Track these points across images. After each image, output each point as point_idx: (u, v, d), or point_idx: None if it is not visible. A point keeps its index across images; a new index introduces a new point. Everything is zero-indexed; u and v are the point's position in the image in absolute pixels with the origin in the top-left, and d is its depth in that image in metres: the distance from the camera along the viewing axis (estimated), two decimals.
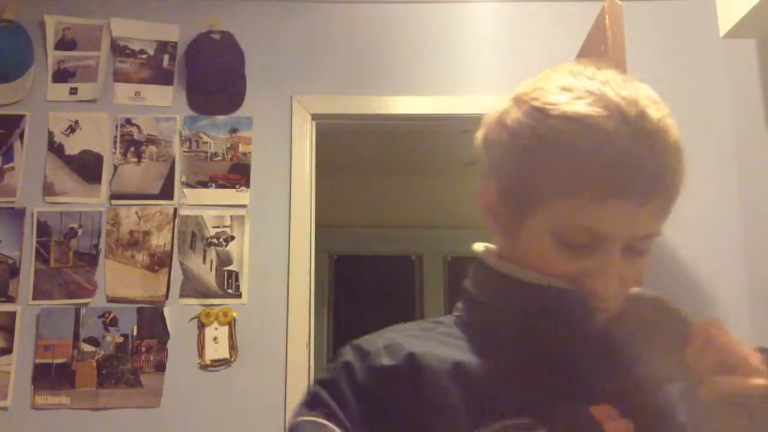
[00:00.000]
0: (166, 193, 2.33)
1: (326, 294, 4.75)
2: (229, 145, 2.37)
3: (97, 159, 2.35)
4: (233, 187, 2.34)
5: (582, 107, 0.60)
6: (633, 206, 0.59)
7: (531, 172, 0.63)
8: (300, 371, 2.21)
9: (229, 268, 2.28)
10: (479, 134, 0.71)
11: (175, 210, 2.31)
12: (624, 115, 0.59)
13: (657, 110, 0.62)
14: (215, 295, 2.26)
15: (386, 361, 0.67)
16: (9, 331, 2.20)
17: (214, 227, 2.30)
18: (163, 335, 2.22)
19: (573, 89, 0.62)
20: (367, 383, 0.66)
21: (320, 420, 0.64)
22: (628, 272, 0.63)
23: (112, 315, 2.22)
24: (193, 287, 2.26)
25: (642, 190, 0.59)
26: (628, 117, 0.59)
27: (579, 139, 0.59)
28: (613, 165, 0.58)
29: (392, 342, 0.69)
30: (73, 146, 2.35)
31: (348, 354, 0.69)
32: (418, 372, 0.66)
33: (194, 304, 2.25)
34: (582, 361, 0.65)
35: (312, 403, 0.67)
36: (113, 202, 2.31)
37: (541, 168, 0.62)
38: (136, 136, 2.37)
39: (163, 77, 2.42)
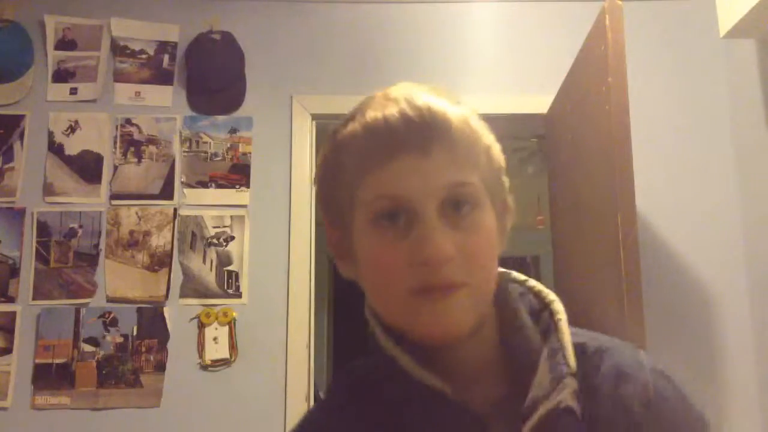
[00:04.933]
0: (166, 193, 2.33)
1: (326, 294, 4.75)
2: (229, 145, 2.37)
3: (97, 159, 2.35)
4: (233, 187, 2.34)
5: (357, 117, 0.65)
6: (415, 160, 0.61)
7: (337, 179, 0.66)
8: (300, 371, 2.21)
9: (229, 268, 2.28)
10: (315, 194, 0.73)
11: (175, 210, 2.32)
12: (389, 101, 0.63)
13: (429, 96, 0.63)
14: (215, 295, 2.26)
15: None
16: (9, 331, 2.20)
17: (214, 227, 2.31)
18: (163, 335, 2.22)
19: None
20: None
21: None
22: (461, 239, 0.61)
23: (112, 315, 2.22)
24: (193, 287, 2.26)
25: (415, 144, 0.61)
26: (394, 101, 0.63)
27: (353, 130, 0.64)
28: (383, 132, 0.61)
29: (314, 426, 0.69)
30: (73, 146, 2.35)
31: None
32: None
33: (194, 304, 2.25)
34: None
35: None
36: (113, 202, 2.31)
37: (339, 171, 0.65)
38: (136, 136, 2.37)
39: (163, 77, 2.42)
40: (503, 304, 0.69)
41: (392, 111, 0.62)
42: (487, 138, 0.66)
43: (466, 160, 0.62)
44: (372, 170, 0.62)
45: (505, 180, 0.68)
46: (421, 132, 0.61)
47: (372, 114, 0.63)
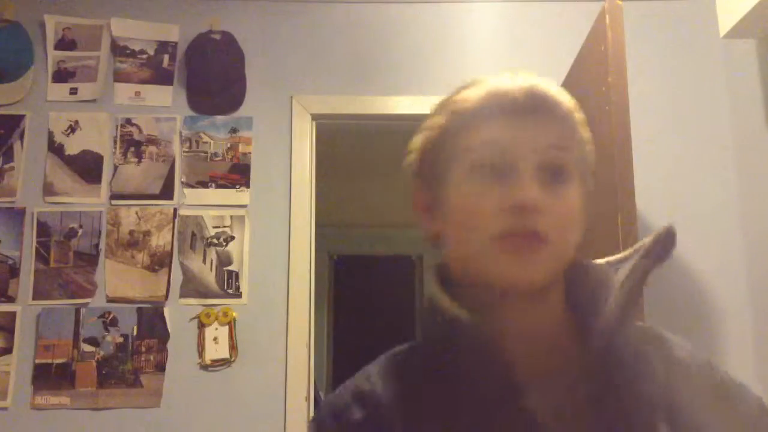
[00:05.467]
0: (166, 193, 2.33)
1: (326, 294, 4.75)
2: (229, 145, 2.37)
3: (97, 159, 2.35)
4: (233, 187, 2.34)
5: (474, 85, 0.73)
6: (524, 121, 0.67)
7: (445, 133, 0.71)
8: (300, 371, 2.21)
9: (229, 268, 2.28)
10: (408, 163, 0.78)
11: (175, 210, 2.32)
12: (509, 77, 0.70)
13: (545, 80, 0.70)
14: (215, 295, 2.26)
15: (357, 414, 0.68)
16: (9, 331, 2.20)
17: (214, 227, 2.31)
18: (163, 335, 2.22)
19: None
20: None
21: None
22: (551, 201, 0.65)
23: (112, 315, 2.22)
24: (193, 287, 2.26)
25: (526, 110, 0.67)
26: (513, 76, 0.70)
27: (472, 93, 0.71)
28: (501, 96, 0.68)
29: (359, 390, 0.71)
30: (73, 146, 2.35)
31: (324, 416, 0.71)
32: (384, 415, 0.67)
33: (194, 304, 2.25)
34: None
35: None
36: (113, 202, 2.31)
37: (448, 125, 0.71)
38: (136, 136, 2.37)
39: (163, 77, 2.42)
40: (582, 277, 0.73)
41: (512, 82, 0.69)
42: (586, 135, 0.73)
43: (567, 137, 0.69)
44: (482, 124, 0.68)
45: (591, 170, 0.75)
46: (534, 102, 0.67)
47: (493, 83, 0.70)
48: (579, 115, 0.71)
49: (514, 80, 0.69)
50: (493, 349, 0.65)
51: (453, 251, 0.71)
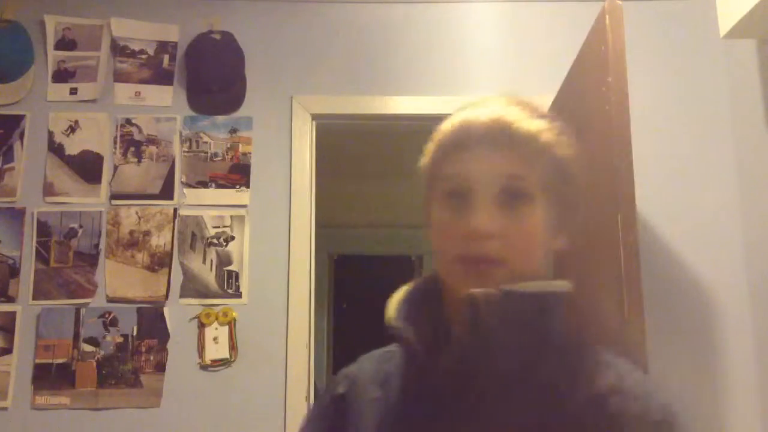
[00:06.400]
0: (166, 193, 2.33)
1: (326, 294, 4.75)
2: (229, 145, 2.37)
3: (97, 159, 2.35)
4: (233, 187, 2.34)
5: (453, 116, 0.83)
6: (484, 153, 0.76)
7: (431, 162, 0.82)
8: (300, 371, 2.21)
9: (229, 268, 2.28)
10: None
11: (175, 210, 2.32)
12: (478, 107, 0.81)
13: (508, 108, 0.79)
14: (215, 295, 2.26)
15: (341, 389, 0.86)
16: (9, 331, 2.20)
17: (214, 227, 2.31)
18: (163, 335, 2.22)
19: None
20: (330, 412, 0.86)
21: None
22: (508, 224, 0.74)
23: (112, 315, 2.22)
24: (193, 287, 2.26)
25: (486, 141, 0.76)
26: (481, 107, 0.80)
27: (447, 127, 0.81)
28: (466, 129, 0.78)
29: (349, 370, 0.88)
30: (73, 146, 2.35)
31: (324, 388, 0.90)
32: (354, 392, 0.84)
33: (194, 304, 2.25)
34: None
35: None
36: (113, 202, 2.31)
37: (433, 155, 0.82)
38: (136, 136, 2.37)
39: (163, 77, 2.42)
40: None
41: (479, 114, 0.78)
42: (557, 149, 0.78)
43: (527, 164, 0.76)
44: (451, 156, 0.78)
45: (575, 183, 0.81)
46: (493, 133, 0.76)
47: (464, 114, 0.80)
48: (548, 137, 0.77)
49: (482, 111, 0.78)
50: (429, 364, 0.77)
51: (435, 264, 0.81)
